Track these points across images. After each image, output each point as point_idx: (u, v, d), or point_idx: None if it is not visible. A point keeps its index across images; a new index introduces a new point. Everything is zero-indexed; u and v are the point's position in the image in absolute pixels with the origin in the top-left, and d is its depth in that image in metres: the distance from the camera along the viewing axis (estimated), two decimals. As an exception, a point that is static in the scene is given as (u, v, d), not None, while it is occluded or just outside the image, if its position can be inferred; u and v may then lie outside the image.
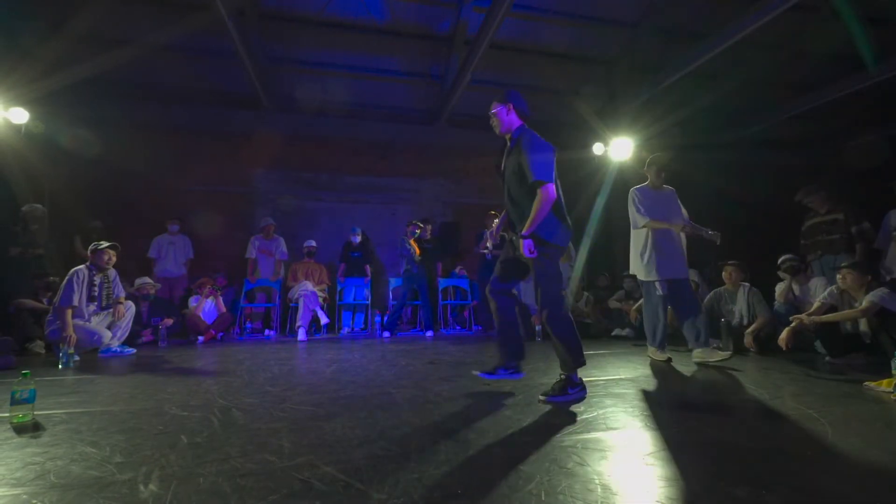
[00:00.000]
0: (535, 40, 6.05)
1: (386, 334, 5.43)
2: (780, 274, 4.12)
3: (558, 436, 1.58)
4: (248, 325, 5.81)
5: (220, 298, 5.15)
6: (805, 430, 1.63)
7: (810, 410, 1.89)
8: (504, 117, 2.24)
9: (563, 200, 2.22)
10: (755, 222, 6.25)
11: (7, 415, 1.84)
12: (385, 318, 5.82)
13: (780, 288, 4.11)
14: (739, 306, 3.92)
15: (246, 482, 1.23)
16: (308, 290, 5.40)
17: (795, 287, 4.02)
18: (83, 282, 3.78)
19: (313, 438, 1.59)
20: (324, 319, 5.50)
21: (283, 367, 3.15)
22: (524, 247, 2.09)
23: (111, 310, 3.96)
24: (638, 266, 3.36)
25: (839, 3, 4.86)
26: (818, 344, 3.42)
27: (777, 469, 1.28)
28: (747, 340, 3.65)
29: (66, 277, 3.72)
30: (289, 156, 6.70)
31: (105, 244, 3.92)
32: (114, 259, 3.95)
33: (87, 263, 3.89)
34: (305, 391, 2.38)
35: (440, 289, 6.25)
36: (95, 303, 3.86)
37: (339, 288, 6.07)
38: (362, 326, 6.20)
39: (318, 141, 6.76)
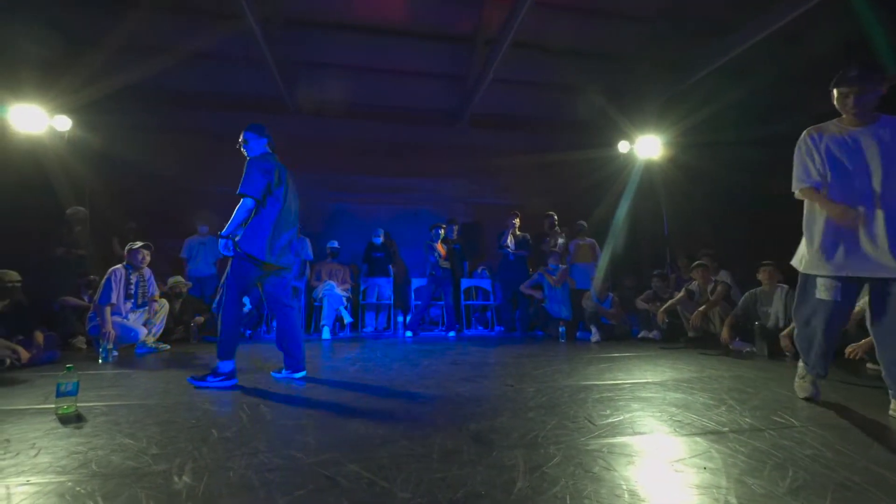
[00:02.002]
0: (558, 38, 5.97)
1: (408, 334, 5.47)
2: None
3: (583, 439, 1.56)
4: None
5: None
6: (843, 439, 1.55)
7: (845, 420, 1.80)
8: (248, 149, 2.77)
9: (281, 221, 2.63)
10: (788, 222, 5.99)
11: (53, 406, 1.94)
12: (407, 318, 5.86)
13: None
14: (775, 308, 3.77)
15: (273, 477, 1.26)
16: (332, 290, 5.50)
17: (835, 289, 3.83)
18: (120, 280, 3.95)
19: (338, 436, 1.62)
20: (347, 319, 5.58)
21: (308, 365, 3.20)
22: (220, 244, 2.57)
23: (147, 307, 4.12)
24: (801, 249, 2.12)
25: (857, 2, 4.60)
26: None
27: (793, 478, 1.23)
28: (784, 343, 3.50)
29: (105, 276, 3.90)
30: (313, 158, 6.82)
31: (139, 244, 4.08)
32: (148, 258, 4.12)
33: (124, 263, 4.06)
34: (330, 389, 2.42)
35: (462, 289, 6.25)
36: (132, 300, 4.03)
37: (362, 288, 6.15)
38: (385, 326, 6.26)
39: (341, 142, 6.86)
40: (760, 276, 3.89)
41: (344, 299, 5.63)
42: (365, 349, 4.23)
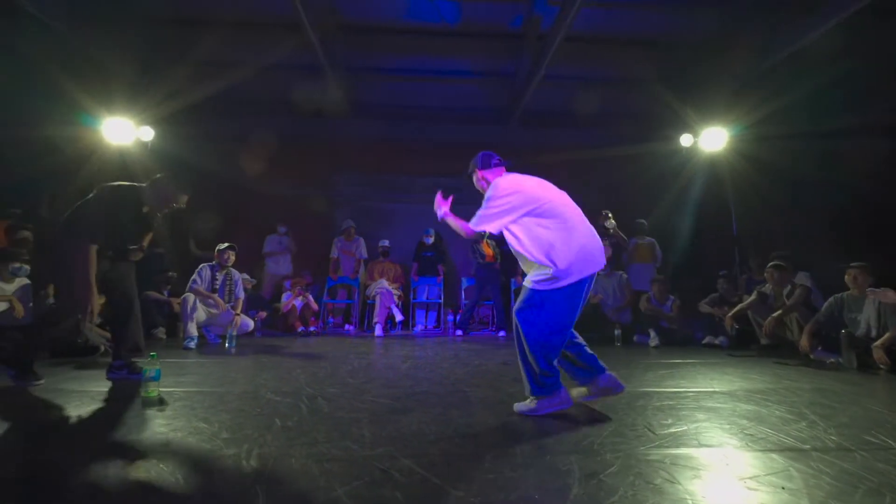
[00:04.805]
0: (614, 29, 5.72)
1: (458, 333, 5.49)
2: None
3: (643, 448, 1.49)
4: (331, 319, 6.21)
5: (310, 297, 5.54)
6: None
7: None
8: None
9: None
10: (877, 221, 5.32)
11: (140, 389, 2.15)
12: (457, 317, 5.88)
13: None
14: (867, 315, 3.38)
15: (332, 467, 1.31)
16: (384, 288, 5.64)
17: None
18: (205, 277, 4.43)
19: (391, 431, 1.66)
20: (398, 317, 5.70)
21: (362, 361, 3.31)
22: None
23: (233, 315, 4.44)
24: None
25: None
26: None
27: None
28: (877, 355, 3.13)
29: (196, 271, 4.43)
30: (367, 160, 7.05)
31: (225, 245, 4.53)
32: (233, 258, 4.52)
33: (213, 262, 4.52)
34: (383, 385, 2.48)
35: (512, 289, 6.17)
36: (216, 294, 4.43)
37: (412, 286, 6.25)
38: (435, 324, 6.33)
39: (394, 144, 7.02)
40: (848, 280, 3.51)
41: (395, 297, 5.76)
42: (416, 347, 4.30)
